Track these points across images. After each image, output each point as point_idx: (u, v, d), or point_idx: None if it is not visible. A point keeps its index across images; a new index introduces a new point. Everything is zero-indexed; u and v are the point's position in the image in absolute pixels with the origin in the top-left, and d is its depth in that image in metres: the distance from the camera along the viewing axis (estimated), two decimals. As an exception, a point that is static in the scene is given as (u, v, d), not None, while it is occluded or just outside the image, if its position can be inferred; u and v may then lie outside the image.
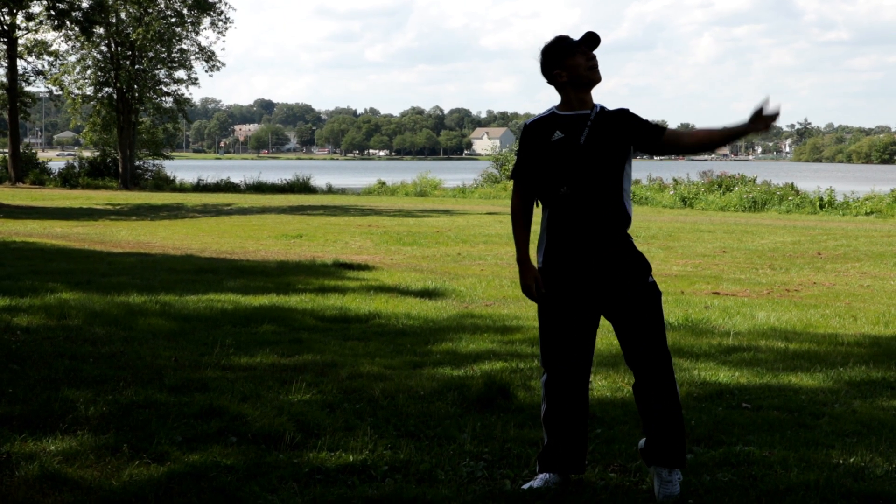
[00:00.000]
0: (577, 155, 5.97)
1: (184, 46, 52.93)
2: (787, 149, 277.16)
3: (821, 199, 40.45)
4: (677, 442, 6.00)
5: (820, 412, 8.04)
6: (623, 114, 6.12)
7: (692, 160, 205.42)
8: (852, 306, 14.47)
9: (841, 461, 6.64)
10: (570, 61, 6.04)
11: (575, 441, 6.13)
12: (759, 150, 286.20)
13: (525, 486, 6.05)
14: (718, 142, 6.09)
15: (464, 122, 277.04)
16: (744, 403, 8.27)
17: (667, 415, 5.99)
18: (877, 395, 8.71)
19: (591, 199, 5.97)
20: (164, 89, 54.05)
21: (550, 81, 6.14)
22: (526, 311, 13.12)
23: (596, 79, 6.07)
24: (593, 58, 6.05)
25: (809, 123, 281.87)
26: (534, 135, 6.12)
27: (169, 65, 52.95)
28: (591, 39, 6.04)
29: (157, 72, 53.58)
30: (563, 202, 6.00)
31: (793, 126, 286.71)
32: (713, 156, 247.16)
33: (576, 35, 6.10)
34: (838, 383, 9.13)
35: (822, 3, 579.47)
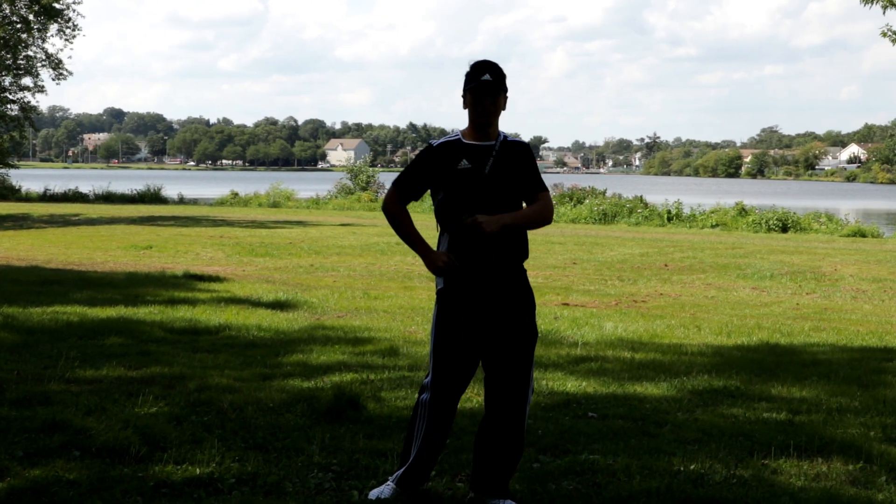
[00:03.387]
0: (482, 185, 6.02)
1: (30, 53, 51.78)
2: (637, 162, 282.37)
3: (668, 212, 41.33)
4: (507, 478, 6.12)
5: (663, 420, 8.22)
6: (524, 151, 6.22)
7: (546, 173, 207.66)
8: (697, 317, 14.81)
9: (682, 468, 6.81)
10: (466, 94, 6.10)
11: (433, 463, 6.19)
12: (611, 163, 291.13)
13: (372, 496, 6.06)
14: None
15: (318, 133, 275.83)
16: (590, 413, 8.41)
17: (510, 455, 6.10)
18: (718, 403, 8.94)
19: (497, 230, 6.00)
20: (10, 97, 52.79)
21: (463, 103, 6.16)
22: (377, 323, 13.15)
23: (480, 121, 6.08)
24: (480, 102, 6.04)
25: (658, 137, 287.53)
26: (439, 158, 6.11)
27: (14, 72, 51.74)
28: (477, 87, 6.03)
29: (1, 79, 52.31)
30: (466, 231, 6.00)
31: (642, 140, 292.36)
32: (565, 168, 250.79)
33: (507, 63, 6.03)
34: (682, 392, 9.34)
35: (672, 20, 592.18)
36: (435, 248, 6.18)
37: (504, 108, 6.15)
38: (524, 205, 6.22)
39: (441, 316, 6.09)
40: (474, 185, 6.03)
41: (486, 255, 6.00)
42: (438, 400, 6.06)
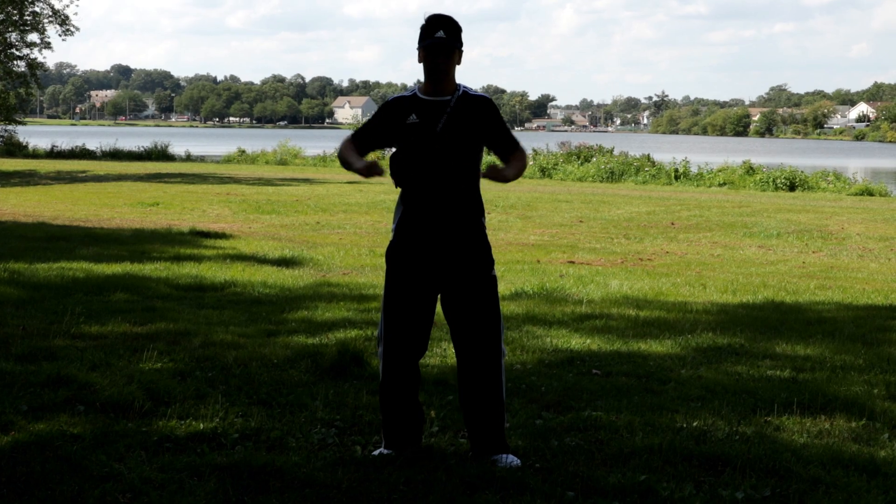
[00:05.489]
0: (432, 142, 5.95)
1: (36, 9, 51.59)
2: (645, 121, 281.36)
3: (676, 171, 41.20)
4: (499, 432, 6.13)
5: (667, 378, 8.22)
6: (485, 106, 6.07)
7: (553, 131, 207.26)
8: (702, 275, 14.80)
9: (685, 425, 6.81)
10: (420, 49, 6.02)
11: (410, 415, 6.16)
12: (618, 121, 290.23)
13: (375, 452, 6.09)
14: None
15: (326, 90, 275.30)
16: (594, 370, 8.43)
17: (491, 411, 6.10)
18: (722, 360, 8.95)
19: (444, 187, 5.98)
20: (16, 53, 52.61)
21: (419, 57, 6.08)
22: (382, 280, 13.12)
23: (432, 77, 5.99)
24: (433, 60, 5.95)
25: (667, 96, 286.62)
26: (390, 113, 6.08)
27: (21, 28, 51.55)
28: (430, 45, 5.93)
29: (8, 35, 52.12)
30: (416, 187, 6.00)
31: (650, 98, 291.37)
32: (572, 127, 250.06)
33: (462, 14, 5.99)
34: (686, 350, 9.35)
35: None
36: (395, 206, 6.18)
37: (459, 63, 6.04)
38: (498, 162, 6.19)
39: (390, 269, 6.12)
40: (425, 141, 5.96)
41: (433, 209, 5.99)
42: (392, 355, 6.08)
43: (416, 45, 6.02)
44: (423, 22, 6.01)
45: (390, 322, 6.09)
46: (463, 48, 6.05)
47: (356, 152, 6.18)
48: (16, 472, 5.55)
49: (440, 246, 5.99)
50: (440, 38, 5.92)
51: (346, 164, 6.15)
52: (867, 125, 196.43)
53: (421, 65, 6.04)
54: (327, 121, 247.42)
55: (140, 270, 13.21)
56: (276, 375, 7.85)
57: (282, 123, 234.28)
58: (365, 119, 6.26)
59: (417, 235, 6.02)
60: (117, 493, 5.34)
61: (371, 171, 5.96)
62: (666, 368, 8.57)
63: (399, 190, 6.14)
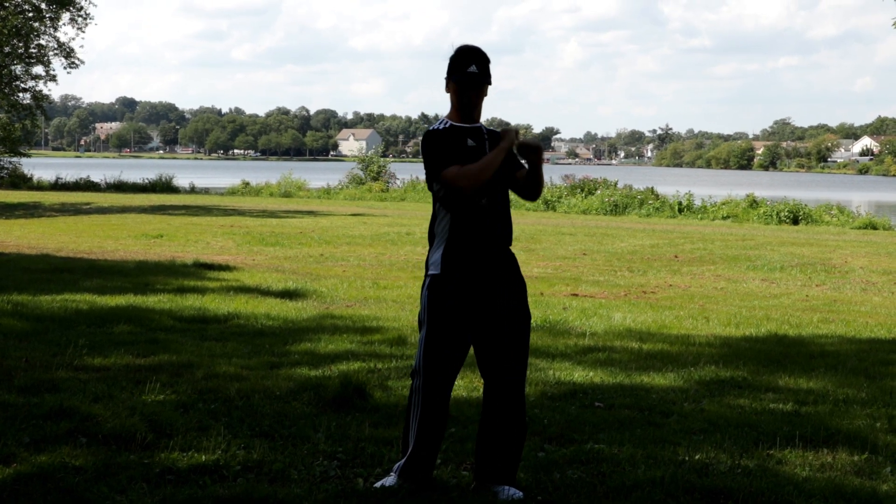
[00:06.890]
0: None
1: (42, 42, 51.72)
2: (649, 153, 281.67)
3: (680, 203, 41.24)
4: (515, 463, 6.14)
5: (669, 410, 8.22)
6: (494, 131, 6.18)
7: (557, 164, 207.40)
8: (706, 308, 14.80)
9: (687, 458, 6.81)
10: (450, 82, 6.04)
11: (435, 451, 6.15)
12: (622, 154, 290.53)
13: (377, 485, 6.08)
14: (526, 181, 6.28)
15: (330, 123, 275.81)
16: (597, 402, 8.43)
17: (516, 440, 6.11)
18: (725, 393, 8.95)
19: (499, 211, 6.07)
20: (21, 85, 52.74)
21: (446, 87, 6.11)
22: (386, 313, 13.16)
23: (463, 110, 6.04)
24: (465, 94, 6.00)
25: (671, 129, 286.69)
26: (447, 139, 6.02)
27: (26, 60, 51.68)
28: (462, 80, 5.98)
29: (13, 67, 52.25)
30: (479, 213, 6.01)
31: (654, 131, 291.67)
32: (577, 160, 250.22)
33: (492, 48, 5.97)
34: (688, 382, 9.35)
35: (687, 11, 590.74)
36: (430, 233, 6.17)
37: (486, 95, 6.08)
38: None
39: (434, 303, 6.02)
40: None
41: (487, 237, 6.01)
42: (431, 385, 6.02)
43: (446, 76, 6.04)
44: (453, 52, 6.03)
45: (435, 356, 6.00)
46: (491, 79, 6.06)
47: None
48: (18, 504, 5.55)
49: (489, 274, 6.00)
50: (473, 74, 5.96)
51: (482, 166, 5.93)
52: (871, 159, 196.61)
53: (442, 95, 6.10)
54: (332, 153, 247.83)
55: (143, 302, 13.23)
56: (279, 408, 7.85)
57: (267, 156, 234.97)
58: (433, 152, 6.01)
59: (468, 265, 5.99)
60: (119, 525, 5.34)
61: (509, 136, 5.95)
62: (668, 401, 8.57)
63: (435, 224, 6.09)
